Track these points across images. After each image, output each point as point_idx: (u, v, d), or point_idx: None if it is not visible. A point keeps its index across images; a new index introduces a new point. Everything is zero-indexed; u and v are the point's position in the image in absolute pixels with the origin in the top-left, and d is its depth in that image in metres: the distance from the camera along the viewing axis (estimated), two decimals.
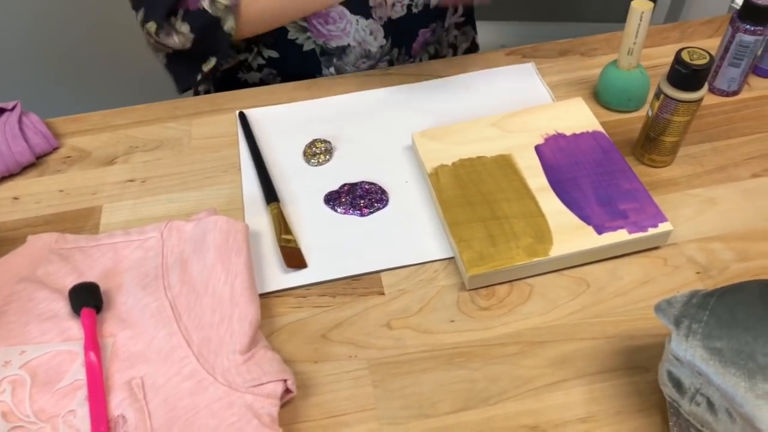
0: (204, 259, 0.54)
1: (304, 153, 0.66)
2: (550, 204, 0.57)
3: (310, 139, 0.67)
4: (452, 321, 0.52)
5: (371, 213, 0.60)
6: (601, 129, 0.63)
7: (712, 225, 0.58)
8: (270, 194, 0.61)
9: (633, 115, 0.68)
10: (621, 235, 0.54)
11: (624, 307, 0.52)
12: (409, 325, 0.52)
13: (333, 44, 0.78)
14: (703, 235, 0.57)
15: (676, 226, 0.57)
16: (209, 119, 0.71)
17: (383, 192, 0.62)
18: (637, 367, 0.49)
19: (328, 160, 0.65)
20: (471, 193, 0.58)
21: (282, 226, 0.58)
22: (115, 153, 0.68)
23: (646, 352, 0.49)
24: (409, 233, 0.58)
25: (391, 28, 0.79)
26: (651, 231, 0.54)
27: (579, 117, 0.64)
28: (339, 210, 0.60)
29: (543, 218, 0.56)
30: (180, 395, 0.46)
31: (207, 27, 0.66)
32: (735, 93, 0.70)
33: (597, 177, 0.59)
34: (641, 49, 0.64)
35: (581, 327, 0.51)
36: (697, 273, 0.54)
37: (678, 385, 0.43)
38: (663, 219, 0.55)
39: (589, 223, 0.55)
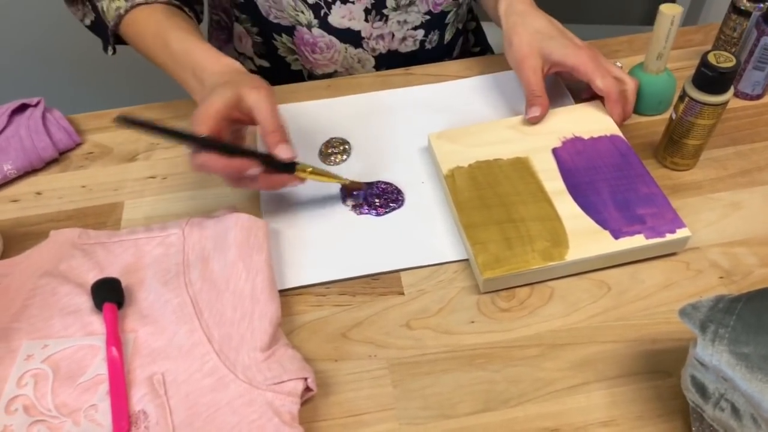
0: (225, 256, 0.54)
1: (321, 152, 0.66)
2: (567, 207, 0.56)
3: (327, 138, 0.67)
4: (472, 322, 0.52)
5: (387, 213, 0.60)
6: (619, 133, 0.62)
7: (735, 229, 0.57)
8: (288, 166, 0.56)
9: (655, 118, 0.68)
10: (638, 240, 0.53)
11: (646, 311, 0.52)
12: (429, 325, 0.52)
13: (320, 72, 0.78)
14: (727, 239, 0.56)
15: (698, 230, 0.57)
16: None
17: (399, 192, 0.61)
18: (659, 371, 0.48)
19: (345, 160, 0.65)
20: (487, 195, 0.58)
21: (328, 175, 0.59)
22: (136, 150, 0.68)
23: (668, 356, 0.49)
24: (427, 234, 0.58)
25: (390, 59, 0.78)
26: (668, 237, 0.53)
27: (597, 121, 0.64)
28: (350, 204, 0.61)
29: (559, 222, 0.55)
30: (201, 392, 0.47)
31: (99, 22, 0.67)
32: (759, 97, 0.69)
33: (615, 181, 0.58)
34: (669, 52, 0.63)
35: (602, 330, 0.51)
36: (720, 278, 0.54)
37: (702, 390, 0.43)
38: (681, 224, 0.54)
39: (605, 228, 0.54)
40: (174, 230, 0.58)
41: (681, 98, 0.58)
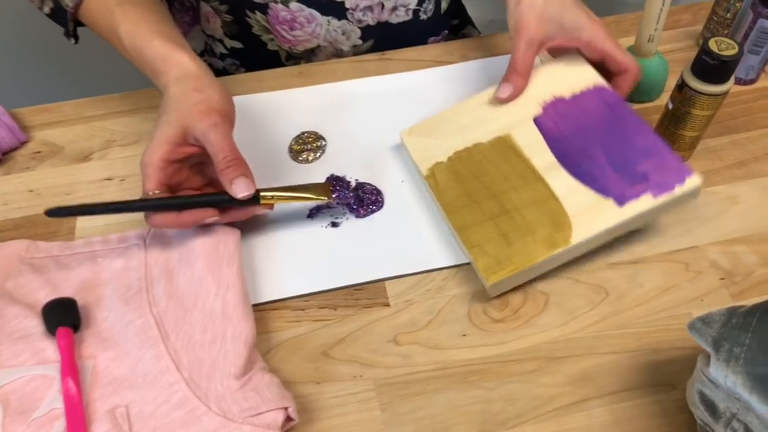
0: (192, 269, 0.49)
1: (291, 149, 0.60)
2: (562, 182, 0.51)
3: (298, 132, 0.62)
4: (464, 335, 0.48)
5: (366, 215, 0.55)
6: (603, 83, 0.56)
7: (734, 226, 0.54)
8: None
9: (647, 105, 0.65)
10: (646, 202, 0.48)
11: (646, 317, 0.49)
12: (418, 340, 0.48)
13: (300, 48, 0.73)
14: (726, 237, 0.54)
15: (696, 227, 0.54)
16: None
17: (378, 193, 0.57)
18: (662, 384, 0.46)
19: (319, 157, 0.60)
20: (474, 188, 0.53)
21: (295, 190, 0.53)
22: (90, 148, 0.62)
23: (670, 367, 0.46)
24: (411, 238, 0.54)
25: (380, 31, 0.73)
26: (678, 190, 0.48)
27: (577, 74, 0.57)
28: (325, 221, 0.55)
29: (556, 201, 0.50)
30: (170, 426, 0.42)
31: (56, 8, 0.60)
32: (752, 81, 0.66)
33: (607, 139, 0.52)
34: (660, 34, 0.59)
35: (601, 340, 0.48)
36: (721, 279, 0.51)
37: (711, 408, 0.40)
38: (689, 172, 0.49)
39: (607, 196, 0.49)
40: (135, 240, 0.52)
41: (678, 87, 0.55)
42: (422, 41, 0.76)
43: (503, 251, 0.49)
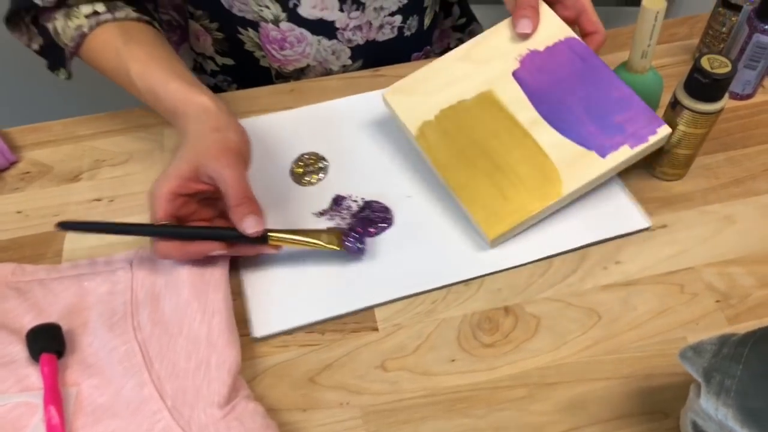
0: (178, 294, 0.48)
1: (292, 172, 0.60)
2: (547, 137, 0.54)
3: (297, 155, 0.61)
4: (453, 360, 0.48)
5: (377, 234, 0.55)
6: (572, 34, 0.58)
7: (730, 246, 0.53)
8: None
9: None
10: (625, 152, 0.53)
11: (639, 342, 0.48)
12: (406, 366, 0.47)
13: (290, 68, 0.72)
14: (722, 257, 0.53)
15: (692, 247, 0.53)
16: None
17: (387, 210, 0.56)
18: (656, 412, 0.45)
19: (322, 179, 0.59)
20: (464, 146, 0.55)
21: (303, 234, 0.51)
22: (79, 168, 0.62)
23: (664, 394, 0.45)
24: (409, 257, 0.53)
25: (368, 50, 0.73)
26: (651, 139, 0.53)
27: (548, 26, 0.58)
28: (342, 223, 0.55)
29: (544, 156, 0.54)
30: None
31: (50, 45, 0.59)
32: (749, 96, 0.65)
33: (584, 92, 0.55)
34: (654, 50, 0.58)
35: (593, 366, 0.47)
36: (717, 302, 0.50)
37: None
38: (660, 123, 0.53)
39: (589, 148, 0.53)
40: (121, 264, 0.52)
41: (672, 105, 0.54)
42: (407, 58, 0.76)
43: (501, 206, 0.52)
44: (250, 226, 0.47)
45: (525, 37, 0.58)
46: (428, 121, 0.57)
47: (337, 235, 0.52)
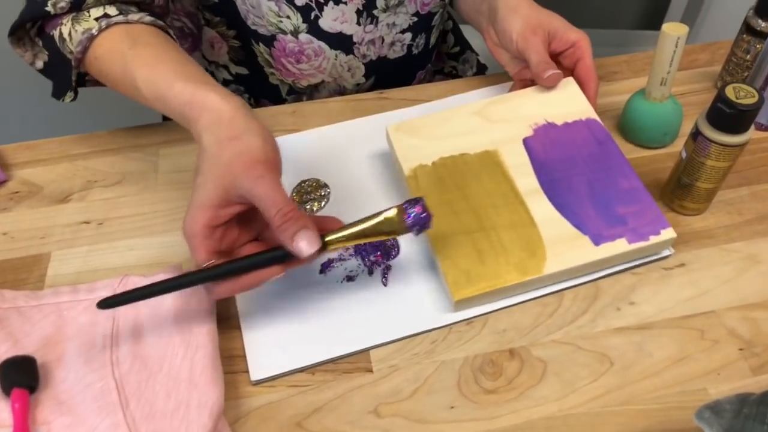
0: (160, 327, 0.46)
1: (291, 200, 0.57)
2: (542, 210, 0.51)
3: (298, 181, 0.58)
4: (452, 407, 0.44)
5: (393, 258, 0.52)
6: (595, 117, 0.56)
7: (755, 288, 0.50)
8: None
9: (659, 151, 0.60)
10: (620, 246, 0.49)
11: (656, 392, 0.44)
12: (401, 411, 0.44)
13: (304, 83, 0.70)
14: (745, 301, 0.49)
15: (713, 288, 0.49)
16: (180, 149, 0.63)
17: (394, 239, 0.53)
18: None
19: (323, 207, 0.56)
20: (455, 199, 0.52)
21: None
22: (70, 188, 0.60)
23: None
24: (409, 294, 0.50)
25: (379, 67, 0.71)
26: (652, 239, 0.49)
27: (571, 102, 0.57)
28: (341, 276, 0.51)
29: (534, 228, 0.50)
30: None
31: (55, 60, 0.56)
32: None
33: (592, 175, 0.52)
34: (674, 77, 0.55)
35: (604, 417, 0.43)
36: (740, 350, 0.46)
37: None
38: (665, 224, 0.50)
39: (585, 233, 0.50)
40: (104, 292, 0.49)
41: (693, 136, 0.51)
42: (412, 75, 0.76)
43: (475, 268, 0.48)
44: (305, 249, 0.41)
45: (551, 87, 0.57)
46: (424, 165, 0.54)
47: (399, 213, 0.44)
